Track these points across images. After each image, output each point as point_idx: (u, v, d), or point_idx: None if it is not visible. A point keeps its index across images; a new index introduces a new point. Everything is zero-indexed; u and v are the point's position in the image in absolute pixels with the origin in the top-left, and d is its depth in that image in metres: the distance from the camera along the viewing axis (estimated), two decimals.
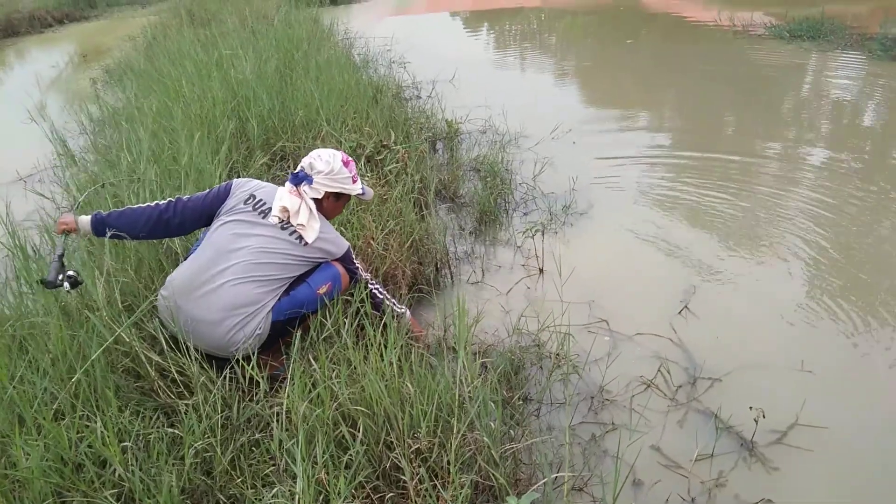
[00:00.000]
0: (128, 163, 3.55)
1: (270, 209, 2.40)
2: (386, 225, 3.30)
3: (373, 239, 3.15)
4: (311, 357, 2.32)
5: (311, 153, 2.51)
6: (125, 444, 1.82)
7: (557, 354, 2.66)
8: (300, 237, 2.39)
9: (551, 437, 2.32)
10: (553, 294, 3.21)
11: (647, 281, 3.36)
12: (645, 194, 4.38)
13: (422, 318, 3.01)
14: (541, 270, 3.44)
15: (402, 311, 2.68)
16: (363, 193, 2.60)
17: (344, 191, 2.52)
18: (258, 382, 2.18)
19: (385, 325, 2.43)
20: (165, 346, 2.18)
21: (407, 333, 2.55)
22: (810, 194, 4.26)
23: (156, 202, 2.46)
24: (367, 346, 2.36)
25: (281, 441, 1.92)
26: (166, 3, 11.09)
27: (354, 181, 2.55)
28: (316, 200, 2.48)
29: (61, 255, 2.23)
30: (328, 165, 2.46)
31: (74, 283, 2.18)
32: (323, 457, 1.83)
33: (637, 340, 2.87)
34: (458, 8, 15.03)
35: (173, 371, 2.17)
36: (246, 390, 2.25)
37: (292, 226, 2.39)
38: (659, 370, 2.67)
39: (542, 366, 2.67)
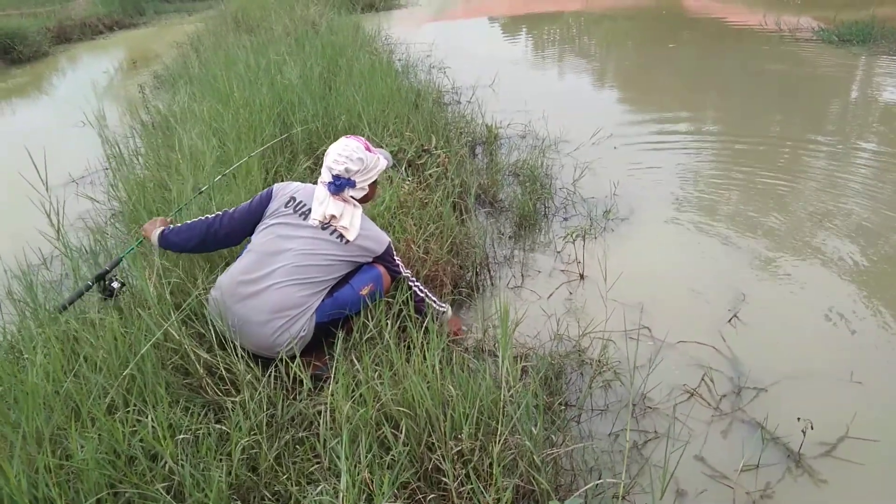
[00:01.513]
0: (184, 166, 3.64)
1: (310, 210, 2.43)
2: (426, 228, 3.32)
3: (413, 242, 3.17)
4: (354, 357, 2.35)
5: (331, 154, 2.48)
6: (176, 438, 1.87)
7: (599, 360, 2.63)
8: (341, 236, 2.42)
9: (592, 443, 2.30)
10: (594, 300, 3.18)
11: (689, 288, 3.31)
12: (688, 200, 4.32)
13: (462, 321, 3.02)
14: (581, 276, 3.42)
15: (444, 308, 2.71)
16: (388, 163, 2.65)
17: (379, 175, 2.60)
18: (302, 381, 2.22)
19: (427, 327, 2.45)
20: (214, 344, 2.24)
21: (448, 335, 2.56)
22: (860, 200, 4.14)
23: (205, 216, 2.53)
24: (409, 347, 2.38)
25: (325, 440, 1.95)
26: (212, 11, 11.35)
27: (378, 160, 2.58)
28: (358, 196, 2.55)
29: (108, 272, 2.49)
30: (361, 163, 2.48)
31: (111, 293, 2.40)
32: (366, 456, 1.85)
33: (680, 348, 2.83)
34: (496, 13, 15.05)
35: (221, 369, 2.22)
36: (290, 389, 2.29)
37: (333, 226, 2.42)
38: (703, 379, 2.62)
39: (583, 372, 2.65)
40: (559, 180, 4.57)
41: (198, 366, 2.21)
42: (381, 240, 2.54)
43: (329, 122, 4.52)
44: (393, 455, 1.92)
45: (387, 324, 2.42)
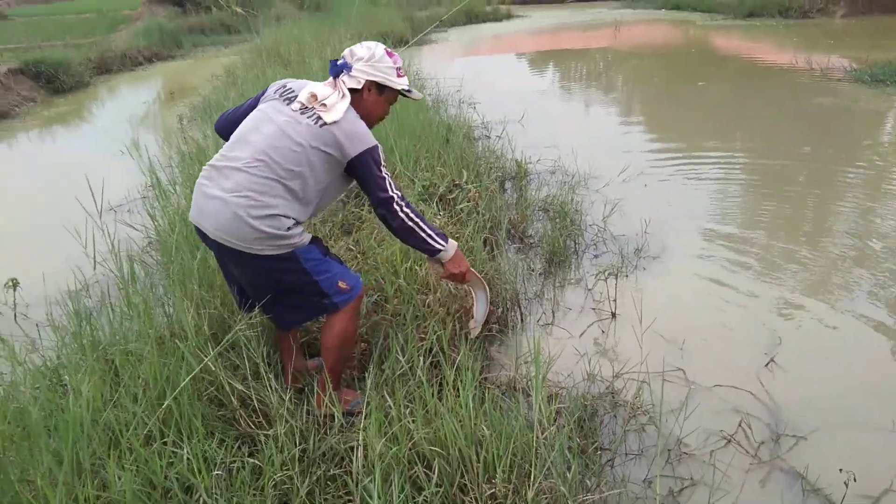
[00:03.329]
0: None
1: (297, 96, 2.24)
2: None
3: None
4: (386, 393, 2.35)
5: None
6: (213, 473, 1.87)
7: (633, 403, 2.60)
8: (318, 118, 2.17)
9: (626, 489, 2.26)
10: (626, 340, 3.15)
11: (724, 329, 3.26)
12: (720, 238, 4.28)
13: (494, 358, 3.00)
14: (613, 315, 3.39)
15: (442, 246, 2.37)
16: (410, 91, 2.34)
17: (387, 82, 2.27)
18: (333, 415, 2.22)
19: (459, 366, 2.43)
20: (248, 374, 2.25)
21: (452, 277, 2.50)
22: None
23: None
24: (441, 383, 2.38)
25: (358, 477, 1.94)
26: (247, 45, 11.66)
27: (400, 75, 2.30)
28: (356, 94, 2.28)
29: None
30: (369, 51, 2.26)
31: None
32: (399, 496, 1.84)
33: (716, 392, 2.78)
34: (524, 49, 15.26)
35: (254, 400, 2.24)
36: (322, 423, 2.29)
37: (314, 108, 2.19)
38: (740, 425, 2.56)
39: (617, 414, 2.61)
40: (589, 216, 4.56)
41: (232, 397, 2.22)
42: (362, 138, 2.20)
43: None
44: (425, 496, 1.90)
45: (419, 359, 2.42)
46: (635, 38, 15.01)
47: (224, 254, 2.24)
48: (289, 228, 2.17)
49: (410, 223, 2.29)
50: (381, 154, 2.25)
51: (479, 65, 12.59)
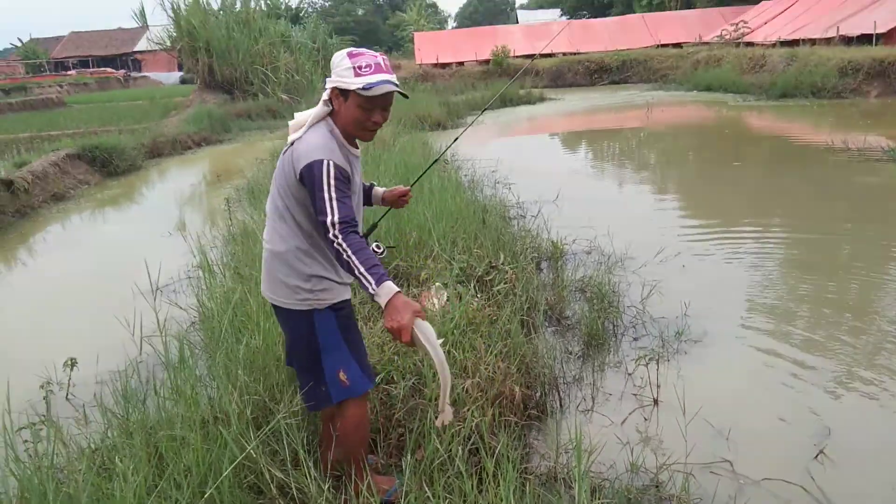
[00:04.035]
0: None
1: None
2: (495, 346, 3.32)
3: (483, 360, 3.17)
4: (424, 482, 2.32)
5: None
6: None
7: (679, 497, 2.50)
8: (290, 142, 2.14)
9: None
10: (669, 428, 3.06)
11: (771, 417, 3.15)
12: (762, 320, 4.21)
13: (533, 445, 2.94)
14: (655, 401, 3.31)
15: (374, 290, 1.90)
16: (364, 88, 1.98)
17: (342, 84, 2.03)
18: None
19: (498, 456, 2.39)
20: (287, 461, 2.26)
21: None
22: None
23: None
24: (480, 472, 2.34)
25: None
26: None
27: (357, 73, 2.00)
28: (331, 106, 2.14)
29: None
30: (335, 59, 2.08)
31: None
32: None
33: (765, 486, 2.66)
34: (558, 130, 15.61)
35: (293, 489, 2.23)
36: None
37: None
38: None
39: None
40: (627, 298, 4.54)
41: (271, 486, 2.22)
42: (310, 151, 2.01)
43: (401, 237, 4.70)
44: None
45: (458, 450, 2.39)
46: (668, 119, 15.25)
47: (273, 312, 2.35)
48: (308, 279, 2.15)
49: (346, 257, 1.94)
50: (330, 170, 1.97)
51: (513, 146, 12.89)
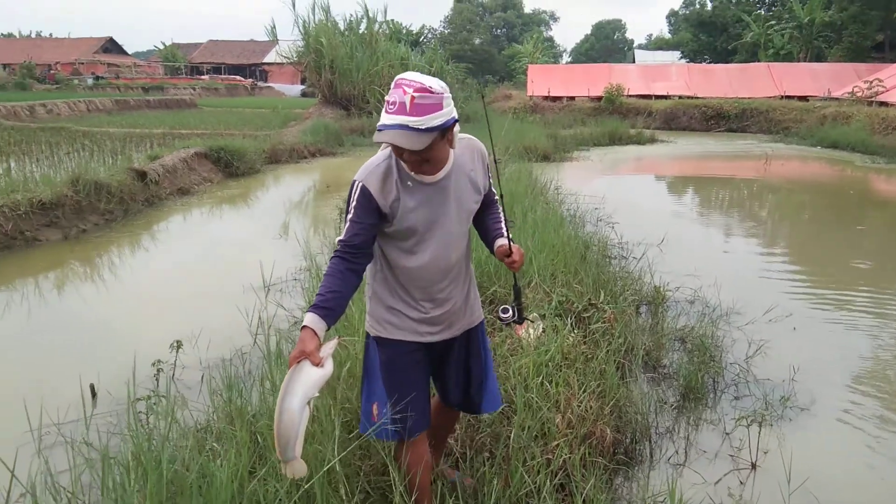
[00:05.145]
0: None
1: None
2: (589, 385, 3.27)
3: (574, 397, 3.13)
4: None
5: None
6: None
7: None
8: None
9: None
10: (768, 496, 2.89)
11: (879, 498, 2.91)
12: (877, 393, 3.91)
13: (619, 490, 2.86)
14: (753, 465, 3.14)
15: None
16: (381, 130, 1.88)
17: None
18: None
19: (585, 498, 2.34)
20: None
21: None
22: None
23: None
24: None
25: None
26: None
27: (386, 108, 1.88)
28: None
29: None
30: None
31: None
32: None
33: None
34: (666, 173, 15.21)
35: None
36: None
37: None
38: None
39: None
40: (730, 354, 4.33)
41: (355, 492, 2.27)
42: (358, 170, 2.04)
43: (500, 264, 4.71)
44: None
45: (545, 481, 2.37)
46: (786, 173, 14.51)
47: None
48: (370, 299, 2.15)
49: None
50: (356, 191, 1.98)
51: (619, 184, 12.69)
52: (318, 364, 1.79)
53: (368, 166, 2.01)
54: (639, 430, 3.29)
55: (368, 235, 1.98)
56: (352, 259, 1.96)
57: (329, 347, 1.85)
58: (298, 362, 1.78)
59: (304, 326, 1.85)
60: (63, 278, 6.37)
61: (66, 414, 3.17)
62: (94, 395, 3.73)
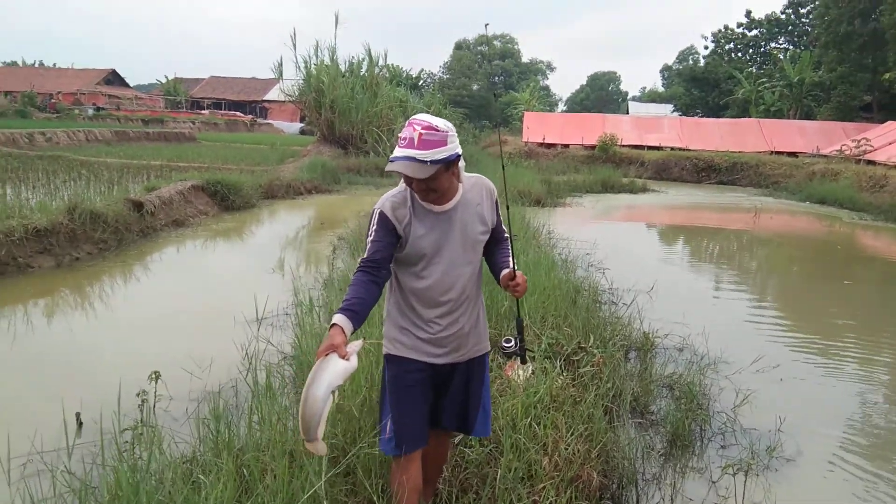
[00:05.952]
0: None
1: None
2: (576, 428, 3.27)
3: (562, 440, 3.13)
4: None
5: None
6: None
7: None
8: None
9: None
10: None
11: None
12: (863, 445, 3.94)
13: None
14: None
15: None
16: (392, 161, 2.13)
17: None
18: None
19: None
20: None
21: None
22: None
23: None
24: None
25: None
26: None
27: (398, 142, 2.14)
28: None
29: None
30: None
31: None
32: None
33: None
34: (657, 221, 15.41)
35: None
36: None
37: None
38: None
39: None
40: (718, 403, 4.35)
41: None
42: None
43: (493, 306, 4.76)
44: None
45: None
46: (775, 226, 14.71)
47: None
48: (386, 317, 2.34)
49: None
50: (375, 217, 2.21)
51: (611, 231, 12.83)
52: (344, 357, 1.94)
53: (387, 196, 2.26)
54: (626, 475, 3.28)
55: (387, 252, 2.19)
56: (373, 272, 2.16)
57: (355, 346, 2.00)
58: (326, 355, 1.93)
59: (334, 324, 2.01)
60: (54, 306, 6.35)
61: (51, 442, 3.14)
62: (79, 424, 3.70)
